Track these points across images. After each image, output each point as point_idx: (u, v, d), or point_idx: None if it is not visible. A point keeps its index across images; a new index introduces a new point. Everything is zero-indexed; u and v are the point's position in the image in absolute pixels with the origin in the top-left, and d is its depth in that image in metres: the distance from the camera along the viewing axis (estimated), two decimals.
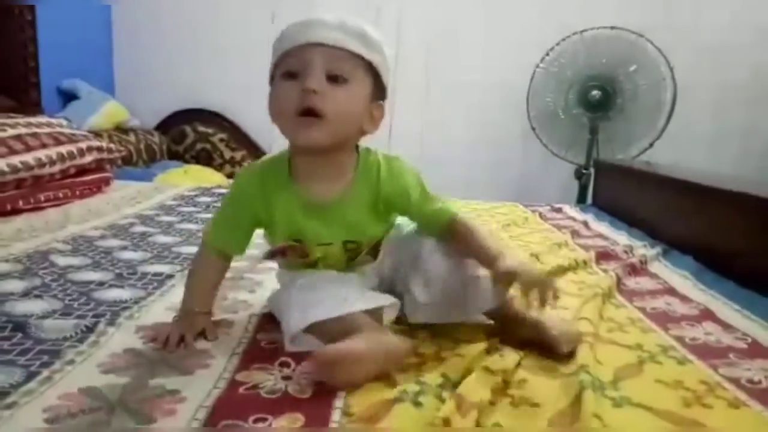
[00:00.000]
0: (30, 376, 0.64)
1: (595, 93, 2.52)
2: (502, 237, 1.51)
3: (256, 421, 0.58)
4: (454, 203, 0.86)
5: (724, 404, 0.65)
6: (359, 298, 0.76)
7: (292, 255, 0.84)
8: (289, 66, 0.74)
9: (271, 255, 0.87)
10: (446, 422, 0.56)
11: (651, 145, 2.52)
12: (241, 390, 0.64)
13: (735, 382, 0.71)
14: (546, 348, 0.75)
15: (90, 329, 0.78)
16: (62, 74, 2.55)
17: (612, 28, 2.46)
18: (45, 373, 0.65)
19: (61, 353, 0.71)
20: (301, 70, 0.72)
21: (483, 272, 0.79)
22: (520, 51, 2.74)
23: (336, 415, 0.60)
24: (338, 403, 0.62)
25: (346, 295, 0.75)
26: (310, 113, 0.71)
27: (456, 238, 0.81)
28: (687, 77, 2.58)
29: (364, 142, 0.83)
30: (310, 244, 0.82)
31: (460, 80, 2.94)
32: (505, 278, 0.72)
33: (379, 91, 0.78)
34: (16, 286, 0.96)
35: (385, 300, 0.79)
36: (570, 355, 0.75)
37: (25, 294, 0.92)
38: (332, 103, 0.72)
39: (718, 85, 2.80)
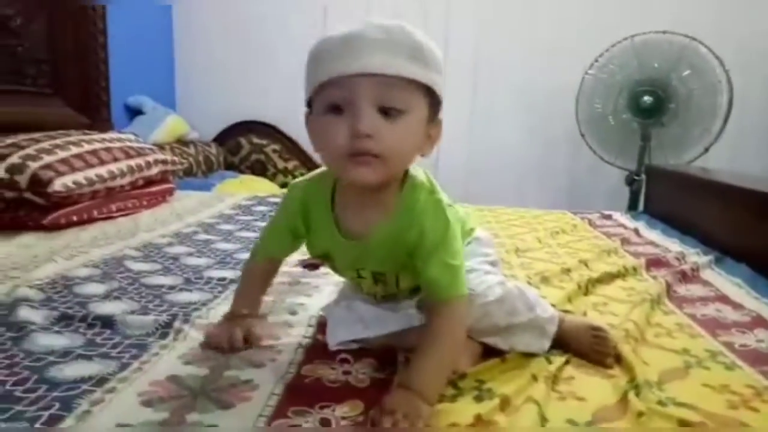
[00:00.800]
0: (123, 366, 0.73)
1: (647, 98, 2.48)
2: (550, 244, 1.53)
3: (321, 407, 0.64)
4: (465, 282, 0.71)
5: None
6: (380, 321, 0.80)
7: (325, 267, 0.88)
8: (333, 98, 0.65)
9: (305, 265, 0.91)
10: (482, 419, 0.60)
11: (706, 150, 2.46)
12: (306, 381, 0.71)
13: None
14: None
15: (168, 326, 0.86)
16: (128, 91, 2.72)
17: (664, 32, 2.43)
18: (135, 364, 0.74)
19: (147, 347, 0.79)
20: (348, 104, 0.64)
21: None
22: (570, 56, 2.74)
23: None
24: None
25: (368, 318, 0.80)
26: (362, 155, 0.64)
27: (427, 326, 0.71)
28: (742, 80, 2.51)
29: None
30: (340, 268, 0.83)
31: (509, 85, 2.96)
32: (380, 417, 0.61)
33: (435, 108, 0.70)
34: (97, 288, 1.06)
35: (405, 323, 0.79)
36: (616, 359, 0.77)
37: (106, 296, 1.01)
38: (389, 142, 0.64)
39: None
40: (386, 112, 0.64)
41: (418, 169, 0.76)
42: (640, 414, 0.62)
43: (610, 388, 0.71)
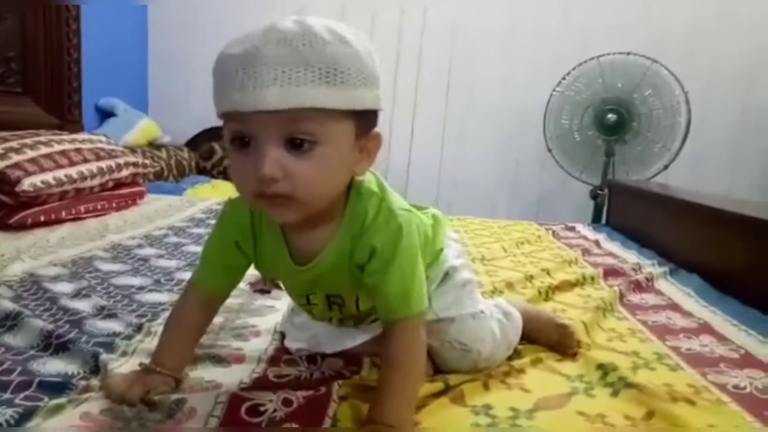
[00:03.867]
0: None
1: (611, 116, 2.58)
2: (515, 253, 1.58)
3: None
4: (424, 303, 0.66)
5: (707, 404, 0.71)
6: (336, 339, 0.79)
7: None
8: (235, 132, 0.57)
9: (255, 289, 0.83)
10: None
11: (666, 167, 2.56)
12: (271, 377, 0.73)
13: (721, 387, 0.77)
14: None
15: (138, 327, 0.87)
16: (100, 92, 2.70)
17: (628, 53, 2.53)
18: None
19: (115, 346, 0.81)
20: (252, 138, 0.56)
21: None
22: (538, 74, 2.84)
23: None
24: None
25: (322, 338, 0.79)
26: (274, 197, 0.57)
27: (385, 350, 0.65)
28: (705, 101, 2.64)
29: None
30: (291, 291, 0.76)
31: (480, 101, 3.03)
32: None
33: (366, 121, 0.60)
34: (66, 287, 1.06)
35: (362, 339, 0.78)
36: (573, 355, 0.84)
37: (76, 294, 1.02)
38: (300, 183, 0.56)
39: (736, 110, 2.85)
40: (296, 143, 0.55)
41: (366, 173, 0.67)
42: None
43: (556, 382, 0.76)
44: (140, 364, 0.70)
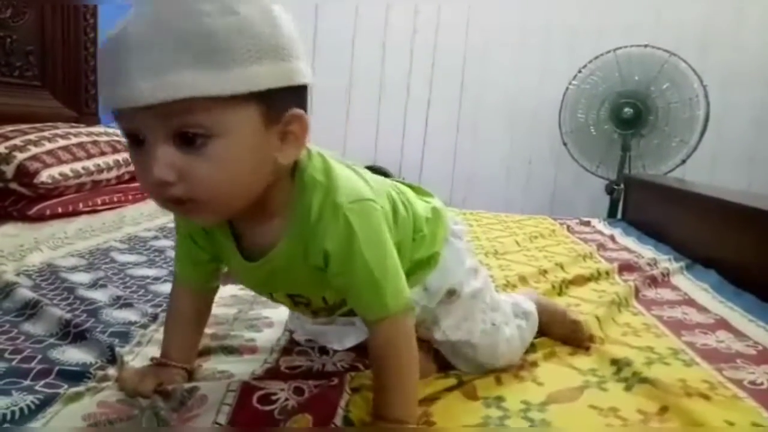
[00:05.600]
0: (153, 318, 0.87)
1: (627, 110, 2.55)
2: (528, 248, 1.57)
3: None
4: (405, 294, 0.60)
5: (722, 399, 0.70)
6: (339, 336, 0.77)
7: None
8: (124, 129, 0.51)
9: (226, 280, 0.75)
10: None
11: (683, 161, 2.53)
12: (283, 368, 0.74)
13: (737, 383, 0.76)
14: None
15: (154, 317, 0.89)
16: None
17: (645, 46, 2.50)
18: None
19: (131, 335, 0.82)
20: (140, 135, 0.50)
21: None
22: (554, 68, 2.81)
23: None
24: None
25: (331, 336, 0.77)
26: (177, 202, 0.51)
27: (370, 352, 0.61)
28: (723, 95, 2.60)
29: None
30: (252, 290, 0.73)
31: (495, 94, 3.01)
32: None
33: (278, 102, 0.51)
34: (83, 277, 1.07)
35: (363, 335, 0.72)
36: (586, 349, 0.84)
37: (93, 285, 1.03)
38: (198, 185, 0.49)
39: (755, 104, 2.80)
40: (189, 138, 0.48)
41: (313, 157, 0.59)
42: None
43: (568, 375, 0.76)
44: (152, 359, 0.70)
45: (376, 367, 0.61)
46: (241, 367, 0.73)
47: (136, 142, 0.50)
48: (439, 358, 0.75)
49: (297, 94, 0.53)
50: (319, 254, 0.58)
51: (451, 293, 0.71)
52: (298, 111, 0.53)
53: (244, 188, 0.53)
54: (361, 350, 0.78)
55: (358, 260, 0.57)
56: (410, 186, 0.77)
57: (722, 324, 1.02)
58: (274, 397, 0.63)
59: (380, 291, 0.58)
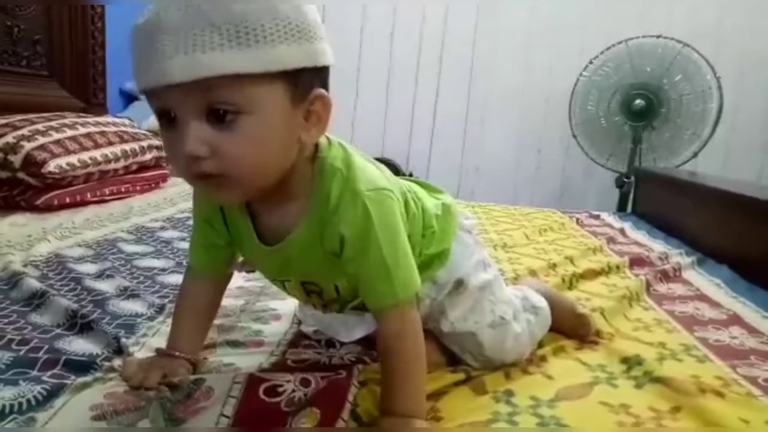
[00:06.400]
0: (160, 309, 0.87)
1: (639, 102, 2.52)
2: (538, 241, 1.55)
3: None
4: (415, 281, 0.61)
5: (736, 397, 0.69)
6: (348, 328, 0.76)
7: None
8: (156, 108, 0.53)
9: (237, 268, 0.75)
10: None
11: (695, 154, 2.50)
12: (290, 361, 0.73)
13: (752, 380, 0.74)
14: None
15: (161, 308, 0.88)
16: (125, 76, 2.71)
17: (658, 36, 2.46)
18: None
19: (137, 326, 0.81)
20: (172, 113, 0.52)
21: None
22: (565, 58, 2.78)
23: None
24: None
25: (337, 327, 0.76)
26: (207, 177, 0.53)
27: (378, 342, 0.62)
28: (737, 86, 2.56)
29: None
30: (265, 276, 0.73)
31: (504, 85, 2.98)
32: None
33: (304, 81, 0.53)
34: (90, 268, 1.07)
35: (371, 328, 0.72)
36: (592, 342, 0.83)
37: (99, 275, 1.03)
38: (229, 160, 0.51)
39: None
40: (220, 115, 0.50)
41: (333, 146, 0.61)
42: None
43: (578, 371, 0.74)
44: (157, 350, 0.70)
45: (384, 358, 0.61)
46: (248, 360, 0.73)
47: (168, 121, 0.52)
48: (448, 352, 0.74)
49: (321, 75, 0.55)
50: (336, 238, 0.59)
51: (459, 284, 0.71)
52: (322, 91, 0.55)
53: (271, 165, 0.55)
54: (368, 343, 0.78)
55: (372, 246, 0.58)
56: (420, 183, 0.78)
57: (735, 320, 1.00)
58: (280, 389, 0.62)
59: (391, 278, 0.58)
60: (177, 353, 0.68)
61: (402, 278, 0.59)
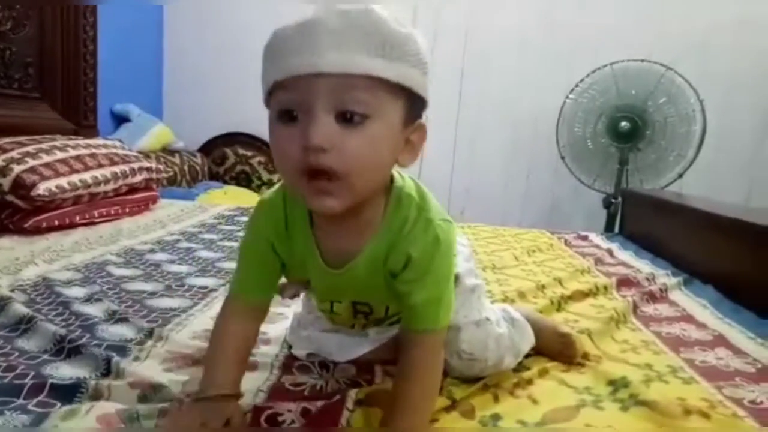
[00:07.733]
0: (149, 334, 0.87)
1: (624, 124, 2.56)
2: (526, 262, 1.57)
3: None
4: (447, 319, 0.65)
5: (722, 418, 0.69)
6: (345, 349, 0.79)
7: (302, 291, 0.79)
8: (284, 103, 0.55)
9: (286, 294, 0.77)
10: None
11: (680, 175, 2.54)
12: (287, 385, 0.73)
13: (737, 401, 0.75)
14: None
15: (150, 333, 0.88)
16: (115, 98, 2.73)
17: (642, 60, 2.52)
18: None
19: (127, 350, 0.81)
20: (301, 110, 0.54)
21: None
22: (551, 81, 2.83)
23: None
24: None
25: (332, 348, 0.79)
26: (319, 174, 0.54)
27: (405, 358, 0.64)
28: (720, 108, 2.61)
29: None
30: (317, 295, 0.75)
31: (493, 107, 3.02)
32: None
33: (415, 108, 0.59)
34: (78, 291, 1.07)
35: (370, 346, 0.78)
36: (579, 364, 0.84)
37: (88, 299, 1.02)
38: (349, 157, 0.54)
39: (753, 117, 2.82)
40: (347, 117, 0.54)
41: (406, 178, 0.66)
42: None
43: (563, 394, 0.75)
44: (197, 398, 0.64)
45: (405, 381, 0.63)
46: (244, 384, 0.72)
47: (289, 118, 0.55)
48: None
49: (423, 108, 0.60)
50: (402, 258, 0.63)
51: (455, 278, 0.73)
52: (423, 122, 0.61)
53: (380, 173, 0.59)
54: (360, 366, 0.79)
55: (432, 272, 0.63)
56: None
57: (721, 341, 1.01)
58: (280, 418, 0.62)
59: (438, 305, 0.63)
60: (224, 392, 0.64)
61: (446, 306, 0.64)
